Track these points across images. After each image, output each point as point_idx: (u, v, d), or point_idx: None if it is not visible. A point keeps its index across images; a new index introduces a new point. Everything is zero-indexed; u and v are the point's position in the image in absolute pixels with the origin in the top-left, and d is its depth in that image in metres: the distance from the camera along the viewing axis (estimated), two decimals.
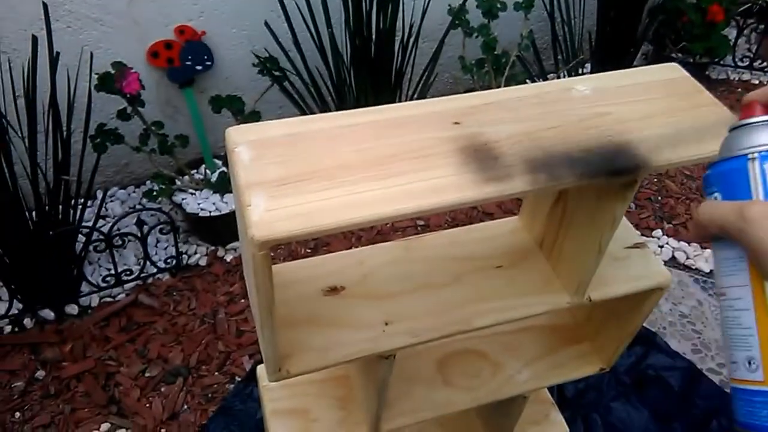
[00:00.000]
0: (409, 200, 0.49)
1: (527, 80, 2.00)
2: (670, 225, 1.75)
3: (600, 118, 0.57)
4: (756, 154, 0.40)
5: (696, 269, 1.63)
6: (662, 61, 1.94)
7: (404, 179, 0.50)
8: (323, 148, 0.53)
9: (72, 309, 1.45)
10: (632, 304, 0.76)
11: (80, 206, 1.39)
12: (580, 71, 1.97)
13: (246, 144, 0.53)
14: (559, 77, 1.92)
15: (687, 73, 0.63)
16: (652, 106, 0.59)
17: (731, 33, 2.24)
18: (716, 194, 0.43)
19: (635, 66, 2.21)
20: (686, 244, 1.69)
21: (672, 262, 1.64)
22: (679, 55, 2.05)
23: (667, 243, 1.68)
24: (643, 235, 1.69)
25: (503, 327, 0.89)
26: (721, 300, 0.42)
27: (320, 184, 0.50)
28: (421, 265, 0.72)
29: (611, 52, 1.91)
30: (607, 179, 0.55)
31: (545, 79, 1.92)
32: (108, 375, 1.35)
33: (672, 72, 0.63)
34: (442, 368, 0.87)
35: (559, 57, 1.91)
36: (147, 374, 1.35)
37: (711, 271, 1.62)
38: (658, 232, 1.71)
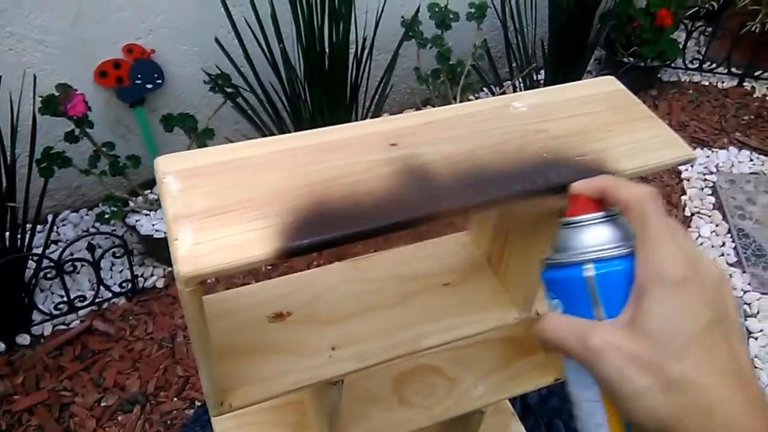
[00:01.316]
0: (337, 227, 0.48)
1: (483, 89, 2.02)
2: None
3: (536, 135, 0.57)
4: (590, 264, 0.38)
5: None
6: (615, 65, 1.97)
7: (330, 206, 0.49)
8: (255, 176, 0.51)
9: (23, 339, 1.41)
10: None
11: (29, 232, 1.35)
12: (534, 78, 1.99)
13: (174, 174, 0.51)
14: (514, 85, 1.94)
15: (623, 86, 0.64)
16: (587, 121, 0.59)
17: (681, 36, 2.30)
18: (556, 301, 0.41)
19: (588, 71, 2.25)
20: None
21: None
22: (631, 59, 2.09)
23: None
24: None
25: (457, 341, 0.88)
26: (575, 410, 0.40)
27: (251, 213, 0.48)
28: (369, 285, 0.71)
29: (564, 58, 1.93)
30: (543, 197, 0.55)
31: (500, 86, 1.93)
32: (62, 406, 1.31)
33: (608, 85, 0.64)
34: (398, 387, 0.86)
35: (514, 65, 1.93)
36: (103, 403, 1.31)
37: None
38: None
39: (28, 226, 1.35)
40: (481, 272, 0.73)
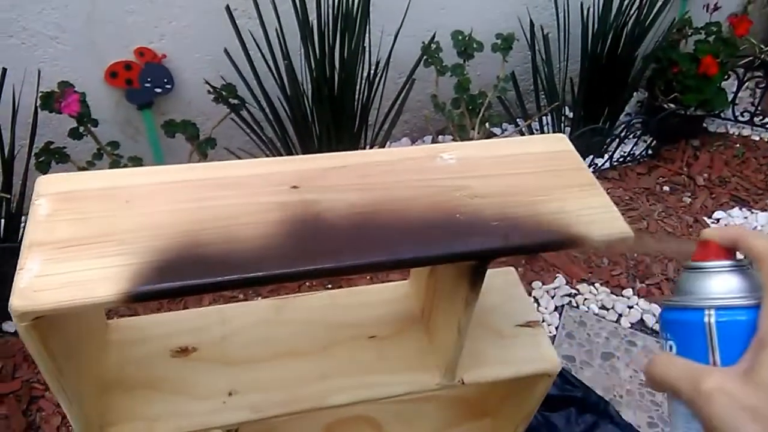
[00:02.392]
0: (197, 274, 0.43)
1: (505, 123, 1.95)
2: (643, 285, 1.66)
3: (455, 192, 0.52)
4: (713, 311, 0.39)
5: None
6: (656, 110, 1.87)
7: (203, 250, 0.45)
8: (131, 208, 0.48)
9: (9, 326, 1.42)
10: (525, 385, 0.70)
11: (23, 223, 1.36)
12: (563, 114, 1.91)
13: (49, 197, 0.48)
14: (540, 120, 1.86)
15: (572, 147, 0.58)
16: (518, 182, 0.53)
17: (733, 86, 2.17)
18: (671, 342, 0.41)
19: (628, 114, 2.15)
20: (658, 307, 1.60)
21: (639, 325, 1.56)
22: (671, 105, 1.98)
23: (636, 304, 1.60)
24: (612, 293, 1.61)
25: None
26: None
27: (112, 248, 0.45)
28: (289, 328, 0.66)
29: (597, 98, 1.85)
30: (447, 263, 0.49)
31: (526, 120, 1.86)
32: (32, 399, 1.31)
33: (556, 144, 0.58)
34: None
35: (543, 101, 1.86)
36: None
37: None
38: (629, 292, 1.62)
39: (24, 217, 1.36)
40: (414, 328, 0.67)
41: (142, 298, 0.43)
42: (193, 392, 0.60)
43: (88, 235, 0.45)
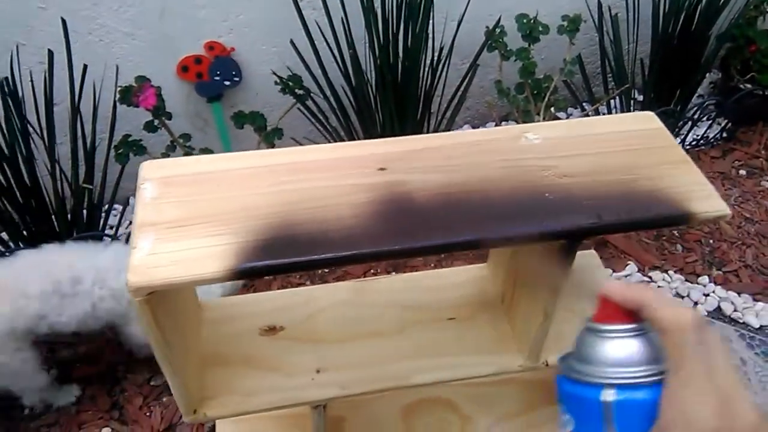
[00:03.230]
0: (294, 253, 0.45)
1: (575, 106, 1.91)
2: (720, 272, 1.60)
3: (543, 171, 0.51)
4: (612, 390, 0.34)
5: (743, 323, 1.49)
6: (730, 91, 1.79)
7: (297, 229, 0.47)
8: (230, 190, 0.50)
9: None
10: None
11: (104, 213, 1.43)
12: (633, 97, 1.85)
13: (153, 181, 0.51)
14: (608, 104, 1.81)
15: (662, 125, 0.56)
16: (607, 161, 0.52)
17: None
18: (568, 417, 0.37)
19: (700, 95, 2.07)
20: (735, 295, 1.54)
21: (717, 314, 1.50)
22: (747, 86, 1.89)
23: (713, 292, 1.54)
24: (687, 281, 1.56)
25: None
26: None
27: (215, 229, 0.47)
28: (369, 310, 0.68)
29: (669, 79, 1.78)
30: (536, 243, 0.49)
31: (593, 104, 1.82)
32: (115, 380, 1.38)
33: (644, 122, 0.57)
34: (407, 417, 0.82)
35: (611, 83, 1.81)
36: (152, 383, 1.37)
37: (761, 326, 1.48)
38: (705, 279, 1.57)
39: (106, 206, 1.43)
40: (492, 311, 0.67)
41: (245, 275, 0.44)
42: (283, 369, 0.62)
43: (192, 216, 0.48)
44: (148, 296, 0.44)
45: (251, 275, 0.45)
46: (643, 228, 0.49)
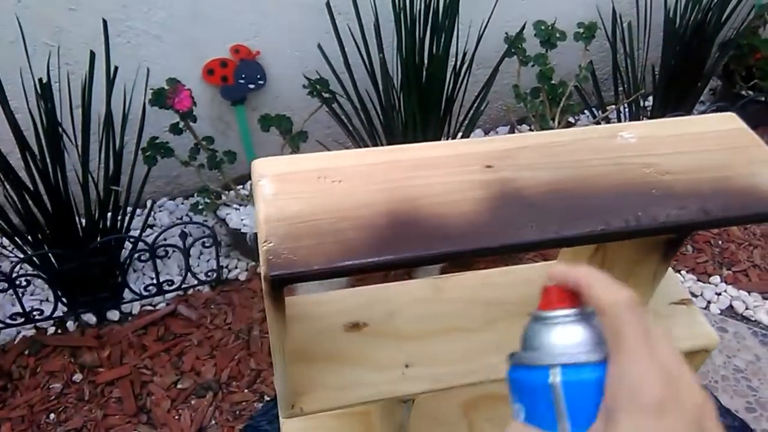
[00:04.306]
0: (421, 246, 0.46)
1: (584, 111, 1.95)
2: (730, 272, 1.65)
3: (644, 168, 0.53)
4: (557, 369, 0.34)
5: (755, 321, 1.53)
6: (731, 97, 1.85)
7: (420, 224, 0.48)
8: (346, 187, 0.51)
9: (113, 315, 1.49)
10: None
11: (128, 215, 1.42)
12: (642, 104, 1.90)
13: (270, 177, 0.52)
14: (618, 110, 1.86)
15: (744, 125, 0.59)
16: (703, 159, 0.55)
17: None
18: (519, 406, 0.37)
19: (701, 102, 2.13)
20: (746, 294, 1.59)
21: (729, 312, 1.55)
22: (750, 92, 1.95)
23: (725, 291, 1.59)
24: (699, 281, 1.61)
25: None
26: None
27: (336, 224, 0.48)
28: (449, 306, 0.69)
29: (675, 87, 1.83)
30: (648, 236, 0.51)
31: (604, 110, 1.86)
32: (142, 383, 1.37)
33: (729, 122, 0.59)
34: (468, 412, 0.84)
35: (621, 89, 1.85)
36: (179, 386, 1.36)
37: None
38: (716, 279, 1.61)
39: (129, 209, 1.42)
40: None
41: (376, 268, 0.46)
42: (371, 364, 0.63)
43: (315, 211, 0.49)
44: (280, 287, 0.45)
45: (380, 269, 0.46)
46: (743, 223, 0.51)
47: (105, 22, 1.17)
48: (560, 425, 0.34)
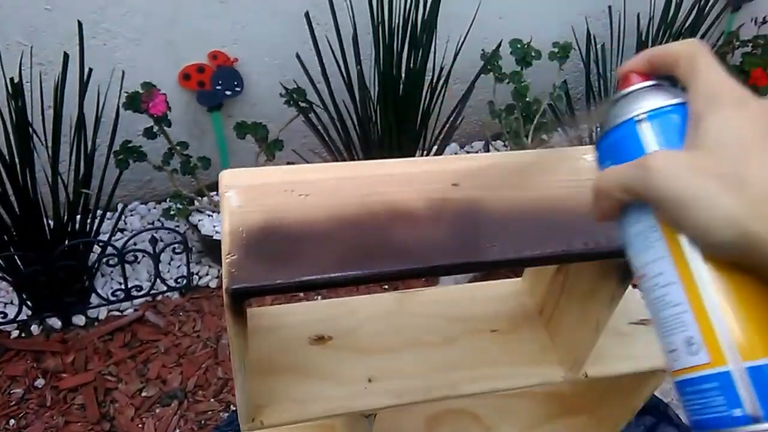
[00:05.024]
0: (379, 263, 0.47)
1: (557, 129, 1.98)
2: None
3: None
4: (643, 115, 0.36)
5: None
6: None
7: (385, 240, 0.49)
8: (314, 200, 0.51)
9: (79, 320, 1.46)
10: (634, 382, 0.73)
11: (98, 219, 1.41)
12: None
13: (237, 189, 0.52)
14: (590, 129, 1.89)
15: None
16: None
17: None
18: (609, 163, 0.37)
19: None
20: None
21: None
22: None
23: None
24: None
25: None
26: (643, 284, 0.36)
27: (306, 238, 0.48)
28: (414, 320, 0.70)
29: None
30: (607, 259, 0.52)
31: (576, 129, 1.89)
32: (106, 390, 1.35)
33: None
34: (431, 427, 0.84)
35: (593, 108, 1.89)
36: (144, 394, 1.34)
37: None
38: None
39: (99, 212, 1.41)
40: (532, 324, 0.70)
41: (337, 284, 0.46)
42: (335, 378, 0.63)
43: (280, 225, 0.49)
44: (242, 301, 0.45)
45: (344, 284, 0.46)
46: None
47: (80, 24, 1.16)
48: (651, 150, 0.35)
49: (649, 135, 0.35)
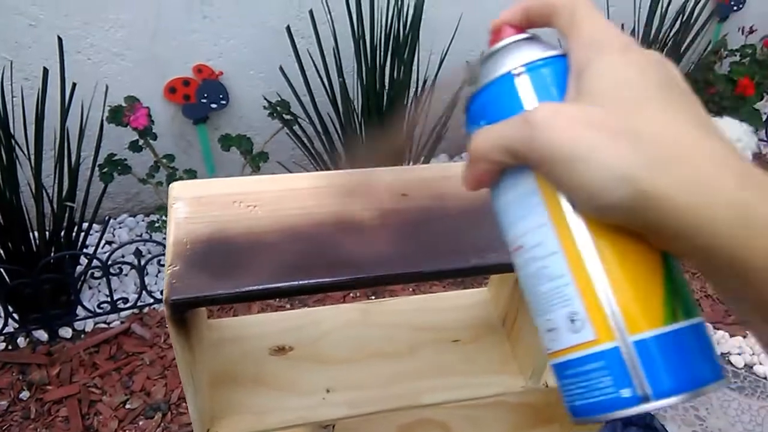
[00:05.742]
0: (321, 274, 0.47)
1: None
2: None
3: None
4: (521, 68, 0.31)
5: None
6: None
7: (330, 251, 0.49)
8: (262, 212, 0.52)
9: (66, 332, 1.47)
10: None
11: (83, 232, 1.41)
12: None
13: (186, 200, 0.53)
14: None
15: None
16: None
17: (766, 106, 2.20)
18: (483, 124, 0.33)
19: None
20: None
21: None
22: None
23: None
24: None
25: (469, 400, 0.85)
26: (519, 257, 0.32)
27: (250, 249, 0.49)
28: (377, 331, 0.70)
29: None
30: None
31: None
32: (90, 403, 1.35)
33: None
34: None
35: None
36: (128, 406, 1.34)
37: (721, 354, 1.55)
38: None
39: (86, 225, 1.41)
40: (494, 334, 0.70)
41: (278, 294, 0.46)
42: (293, 389, 0.63)
43: (225, 236, 0.49)
44: (182, 312, 0.46)
45: (286, 294, 0.47)
46: None
47: (60, 40, 1.18)
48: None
49: (528, 89, 0.31)
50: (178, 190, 0.54)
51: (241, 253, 0.48)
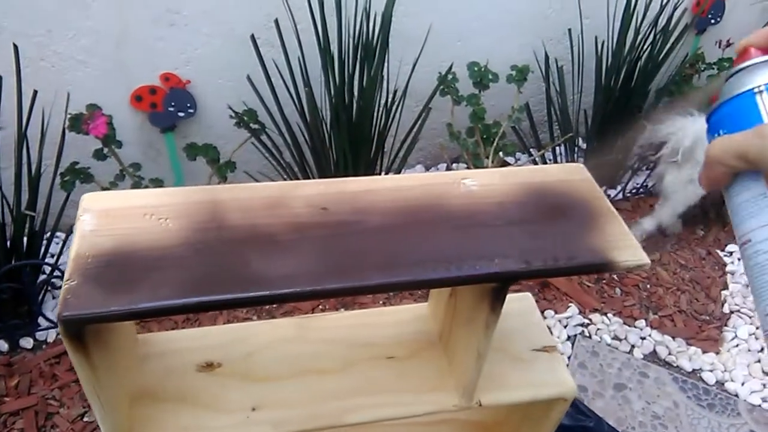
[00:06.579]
0: (225, 290, 0.46)
1: (519, 152, 1.98)
2: (656, 316, 1.66)
3: (474, 217, 0.54)
4: (763, 87, 0.38)
5: (677, 367, 1.54)
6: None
7: (240, 266, 0.48)
8: (173, 225, 0.50)
9: (27, 342, 1.44)
10: (540, 410, 0.71)
11: (45, 240, 1.40)
12: (576, 145, 1.94)
13: (94, 212, 0.51)
14: (553, 150, 1.89)
15: (589, 176, 0.60)
16: (539, 208, 0.55)
17: None
18: (722, 132, 0.40)
19: (640, 145, 2.17)
20: (670, 339, 1.60)
21: (652, 357, 1.56)
22: None
23: (649, 335, 1.60)
24: (625, 324, 1.62)
25: (414, 418, 0.84)
26: (746, 249, 0.39)
27: (155, 264, 0.47)
28: (311, 347, 0.68)
29: (612, 129, 1.87)
30: (471, 284, 0.51)
31: (540, 150, 1.89)
32: (47, 415, 1.32)
33: (574, 173, 0.60)
34: None
35: (556, 131, 1.89)
36: (86, 419, 1.32)
37: (693, 370, 1.53)
38: (642, 323, 1.63)
39: (48, 234, 1.40)
40: (432, 350, 0.69)
41: (183, 310, 0.45)
42: (218, 406, 0.61)
43: (131, 250, 0.48)
44: (79, 330, 0.44)
45: (189, 310, 0.45)
46: (567, 274, 0.52)
47: (16, 47, 1.16)
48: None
49: (766, 106, 0.37)
50: (88, 201, 0.52)
51: (144, 268, 0.47)
